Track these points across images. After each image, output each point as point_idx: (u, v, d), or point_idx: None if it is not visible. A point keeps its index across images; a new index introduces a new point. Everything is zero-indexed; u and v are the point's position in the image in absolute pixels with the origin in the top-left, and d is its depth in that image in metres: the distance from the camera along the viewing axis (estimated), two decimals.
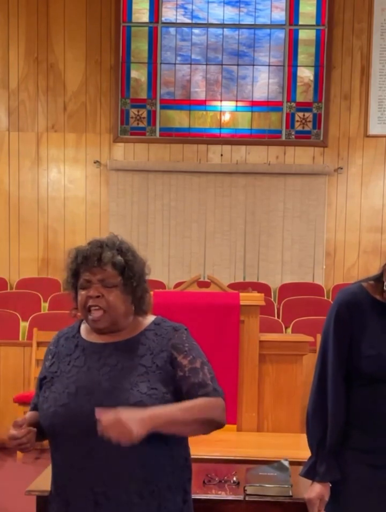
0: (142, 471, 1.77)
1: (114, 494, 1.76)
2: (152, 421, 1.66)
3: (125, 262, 1.84)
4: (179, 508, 1.85)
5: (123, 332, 1.89)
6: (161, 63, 7.80)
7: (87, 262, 1.83)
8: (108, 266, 1.82)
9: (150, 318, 1.94)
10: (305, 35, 7.75)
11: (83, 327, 1.95)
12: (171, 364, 1.84)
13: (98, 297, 1.82)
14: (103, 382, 1.80)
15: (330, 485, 2.06)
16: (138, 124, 7.82)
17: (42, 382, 1.91)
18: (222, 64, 7.82)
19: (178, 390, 1.83)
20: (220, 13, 7.78)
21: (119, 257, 1.83)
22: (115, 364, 1.82)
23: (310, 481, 2.11)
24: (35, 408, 1.95)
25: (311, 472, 2.08)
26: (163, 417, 1.70)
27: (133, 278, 1.85)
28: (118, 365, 1.82)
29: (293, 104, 7.77)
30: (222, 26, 7.79)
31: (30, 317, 6.14)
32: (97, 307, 1.83)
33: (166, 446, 1.81)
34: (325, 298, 7.28)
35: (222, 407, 1.83)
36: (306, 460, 2.13)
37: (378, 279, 2.04)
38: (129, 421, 1.61)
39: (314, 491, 2.06)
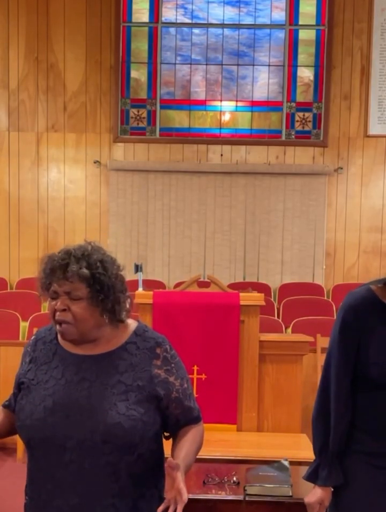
0: (117, 485, 1.76)
1: (90, 507, 1.76)
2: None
3: (91, 275, 1.77)
4: None
5: (101, 343, 1.84)
6: (161, 63, 7.80)
7: (53, 274, 1.79)
8: (74, 278, 1.77)
9: (130, 326, 1.89)
10: (305, 35, 7.75)
11: None
12: (156, 383, 1.81)
13: (64, 310, 1.78)
14: (80, 399, 1.77)
15: (332, 490, 2.04)
16: (138, 124, 7.82)
17: (20, 386, 1.90)
18: (222, 64, 7.82)
19: (158, 407, 1.82)
20: (220, 13, 7.78)
21: (84, 271, 1.77)
22: (94, 380, 1.79)
23: (311, 483, 2.10)
24: (7, 405, 1.97)
25: (313, 475, 2.07)
26: (188, 468, 1.79)
27: (101, 291, 1.78)
28: (97, 381, 1.79)
29: (293, 104, 7.77)
30: (222, 26, 7.79)
31: (30, 317, 6.14)
32: (63, 321, 1.78)
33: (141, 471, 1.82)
34: (325, 298, 7.28)
35: (203, 430, 1.93)
36: (310, 462, 2.12)
37: None
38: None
39: (315, 495, 2.05)
